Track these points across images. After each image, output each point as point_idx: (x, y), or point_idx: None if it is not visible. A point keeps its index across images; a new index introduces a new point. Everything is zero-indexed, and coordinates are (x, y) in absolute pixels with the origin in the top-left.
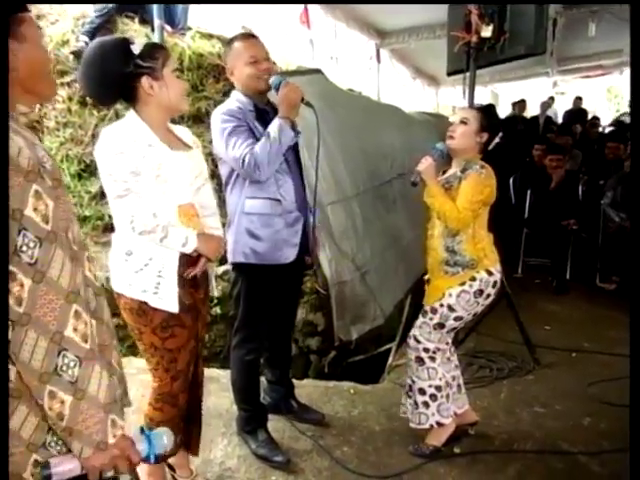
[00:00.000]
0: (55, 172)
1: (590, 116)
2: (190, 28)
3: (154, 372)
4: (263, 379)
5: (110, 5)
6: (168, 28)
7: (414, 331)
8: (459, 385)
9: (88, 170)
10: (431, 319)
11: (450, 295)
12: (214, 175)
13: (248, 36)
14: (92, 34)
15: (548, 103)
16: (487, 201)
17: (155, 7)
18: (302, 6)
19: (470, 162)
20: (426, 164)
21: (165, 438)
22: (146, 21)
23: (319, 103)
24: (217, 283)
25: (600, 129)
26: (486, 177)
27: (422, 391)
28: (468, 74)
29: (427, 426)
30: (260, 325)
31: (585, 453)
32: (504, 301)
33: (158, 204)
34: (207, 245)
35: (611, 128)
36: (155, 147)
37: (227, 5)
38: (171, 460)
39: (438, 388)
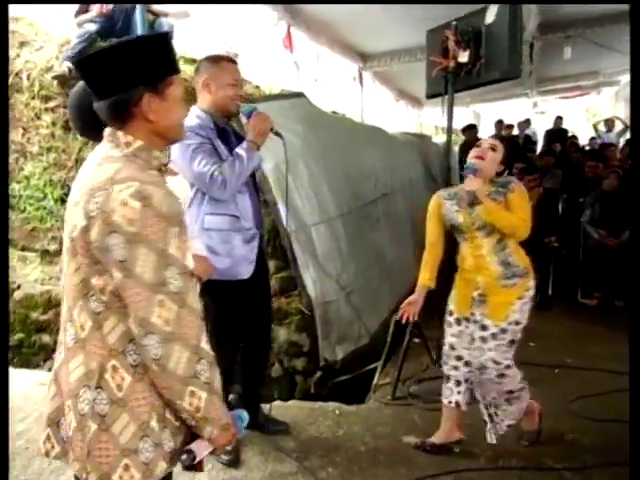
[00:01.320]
0: (181, 213)
1: (569, 135)
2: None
3: None
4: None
5: (92, 29)
6: None
7: (489, 354)
8: None
9: None
10: (503, 339)
11: (514, 312)
12: None
13: (233, 60)
14: (75, 59)
15: (525, 124)
16: None
17: (139, 31)
18: (284, 30)
19: (499, 178)
20: (476, 184)
21: (245, 415)
22: None
23: (302, 126)
24: None
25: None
26: (525, 188)
27: (511, 392)
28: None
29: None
30: (225, 338)
31: (569, 469)
32: None
33: None
34: (199, 265)
35: (588, 147)
36: None
37: (212, 29)
38: None
39: (521, 388)
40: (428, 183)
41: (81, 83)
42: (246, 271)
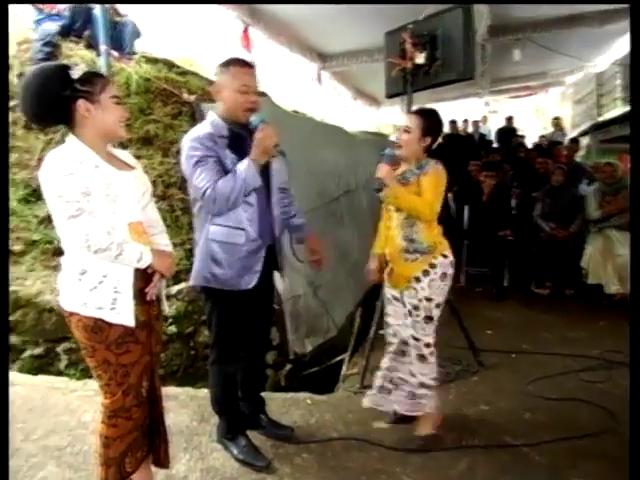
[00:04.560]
0: None
1: (518, 134)
2: (136, 53)
3: (105, 388)
4: None
5: (52, 30)
6: (114, 53)
7: (409, 331)
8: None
9: (35, 194)
10: (418, 315)
11: (422, 288)
12: (165, 196)
13: (246, 63)
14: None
15: (479, 122)
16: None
17: (101, 32)
18: (242, 29)
19: (422, 160)
20: (384, 171)
21: None
22: (92, 46)
23: None
24: (171, 302)
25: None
26: (442, 170)
27: (423, 384)
28: (406, 96)
29: (425, 411)
30: (233, 343)
31: (527, 445)
32: (448, 309)
33: (110, 223)
34: (161, 261)
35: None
36: (101, 168)
37: (172, 28)
38: (135, 477)
39: (434, 379)
40: None
41: (38, 69)
42: (247, 282)
